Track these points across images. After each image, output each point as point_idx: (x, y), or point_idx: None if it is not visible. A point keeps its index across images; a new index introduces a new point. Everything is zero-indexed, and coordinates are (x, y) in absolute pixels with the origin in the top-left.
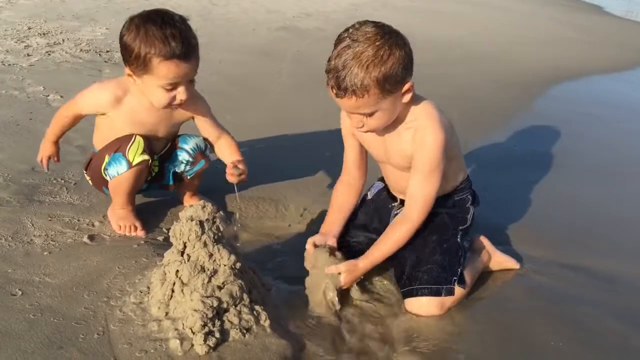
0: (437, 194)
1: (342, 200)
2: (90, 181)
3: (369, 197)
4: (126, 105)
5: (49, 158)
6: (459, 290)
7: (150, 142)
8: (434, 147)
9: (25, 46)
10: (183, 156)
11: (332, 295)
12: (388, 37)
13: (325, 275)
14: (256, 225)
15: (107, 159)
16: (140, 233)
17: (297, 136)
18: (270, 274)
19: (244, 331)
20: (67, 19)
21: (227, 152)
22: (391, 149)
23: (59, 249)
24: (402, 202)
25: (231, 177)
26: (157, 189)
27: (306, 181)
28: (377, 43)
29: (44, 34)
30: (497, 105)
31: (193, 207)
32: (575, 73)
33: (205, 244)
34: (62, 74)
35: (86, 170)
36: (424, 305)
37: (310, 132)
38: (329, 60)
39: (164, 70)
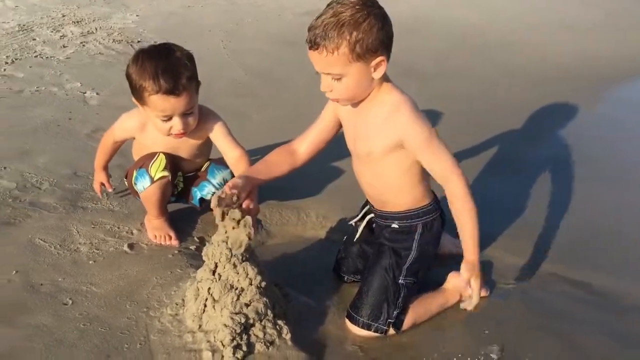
0: (390, 208)
1: (274, 160)
2: (129, 189)
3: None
4: (149, 131)
5: (102, 184)
6: (391, 332)
7: (175, 160)
8: (414, 119)
9: (61, 36)
10: (209, 189)
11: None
12: (371, 8)
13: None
14: (280, 231)
15: (135, 173)
16: (175, 242)
17: None
18: (291, 283)
19: (268, 344)
20: (98, 4)
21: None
22: (360, 129)
23: (103, 257)
24: (363, 217)
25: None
26: (185, 204)
27: (326, 186)
28: (357, 7)
29: (77, 22)
30: (514, 103)
31: (224, 230)
32: (602, 65)
33: (234, 265)
34: (96, 67)
35: (126, 177)
36: (358, 334)
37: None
38: (313, 22)
39: (156, 103)
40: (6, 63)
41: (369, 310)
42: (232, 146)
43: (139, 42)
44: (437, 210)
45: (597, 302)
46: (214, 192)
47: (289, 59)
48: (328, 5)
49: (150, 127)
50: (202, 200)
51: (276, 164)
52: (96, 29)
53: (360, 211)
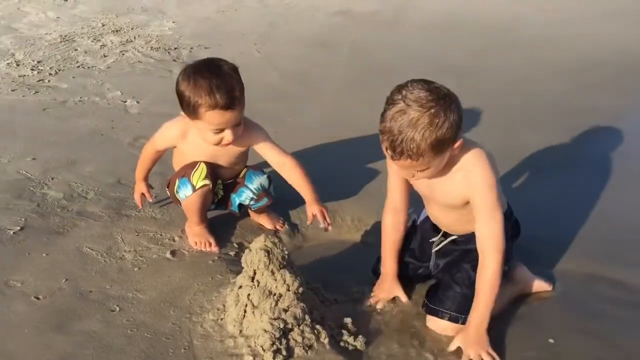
0: (468, 230)
1: (392, 236)
2: (170, 198)
3: (418, 222)
4: (190, 139)
5: (142, 195)
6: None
7: (214, 169)
8: (489, 185)
9: (101, 46)
10: (247, 194)
11: None
12: (442, 102)
13: None
14: (316, 235)
15: (177, 182)
16: (214, 249)
17: (352, 140)
18: (328, 287)
19: (307, 348)
20: (136, 12)
21: (296, 184)
22: (438, 189)
23: (147, 264)
24: (445, 234)
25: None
26: (224, 210)
27: (362, 189)
28: (432, 111)
29: (116, 30)
30: (550, 98)
31: (262, 238)
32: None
33: (272, 272)
34: (136, 76)
35: (168, 187)
36: (441, 328)
37: (366, 135)
38: (383, 121)
39: (210, 118)
40: (50, 74)
41: (457, 304)
42: (281, 155)
43: (175, 49)
44: (512, 217)
45: (635, 302)
46: (251, 197)
47: (323, 60)
48: (393, 103)
49: (192, 136)
50: (240, 205)
51: (398, 233)
52: (135, 37)
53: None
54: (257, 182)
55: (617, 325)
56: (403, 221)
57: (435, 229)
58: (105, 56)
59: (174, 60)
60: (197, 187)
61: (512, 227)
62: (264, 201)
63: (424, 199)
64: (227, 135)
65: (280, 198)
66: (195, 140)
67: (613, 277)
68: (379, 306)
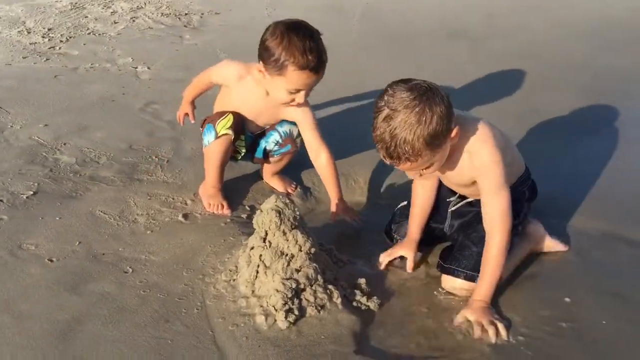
0: None
1: (421, 201)
2: None
3: None
4: (244, 85)
5: (186, 115)
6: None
7: (246, 123)
8: (494, 167)
9: (112, 12)
10: (274, 136)
11: None
12: (425, 97)
13: None
14: (329, 198)
15: (205, 127)
16: (227, 212)
17: (364, 106)
18: (342, 248)
19: (319, 308)
20: None
21: (326, 179)
22: (448, 173)
23: (159, 227)
24: (461, 196)
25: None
26: (249, 160)
27: (374, 152)
28: (417, 109)
29: None
30: (569, 60)
31: (273, 199)
32: None
33: (284, 233)
34: (146, 42)
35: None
36: (457, 287)
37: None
38: (374, 131)
39: (295, 77)
40: (61, 41)
41: (472, 262)
42: (320, 142)
43: (186, 14)
44: (529, 179)
45: None
46: (277, 141)
47: (334, 25)
48: (379, 110)
49: (244, 84)
50: (265, 153)
51: (428, 200)
52: (145, 3)
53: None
54: (286, 126)
55: (634, 284)
56: (433, 184)
57: (452, 190)
58: (115, 23)
59: (185, 26)
60: (219, 134)
61: (529, 189)
62: (287, 148)
63: (443, 181)
64: (300, 96)
65: (296, 164)
66: (246, 89)
67: (630, 236)
68: (383, 264)
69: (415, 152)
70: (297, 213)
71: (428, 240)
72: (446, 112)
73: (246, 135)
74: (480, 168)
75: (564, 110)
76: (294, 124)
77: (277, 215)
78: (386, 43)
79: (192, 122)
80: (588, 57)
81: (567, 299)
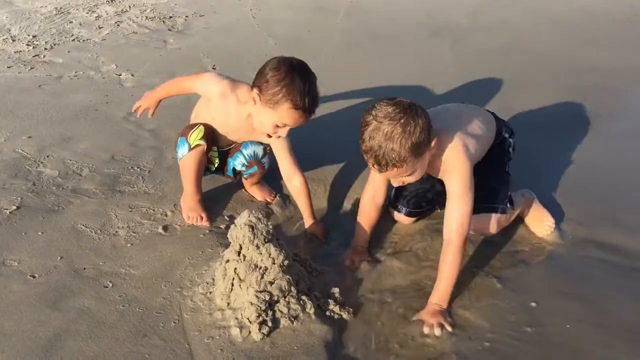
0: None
1: (367, 215)
2: None
3: None
4: (226, 102)
5: (145, 110)
6: (510, 210)
7: (217, 137)
8: (461, 175)
9: (96, 17)
10: (240, 159)
11: None
12: (408, 111)
13: None
14: None
15: (177, 141)
16: (206, 223)
17: (346, 109)
18: (319, 257)
19: (292, 319)
20: None
21: (299, 201)
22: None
23: (139, 240)
24: None
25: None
26: (221, 175)
27: (350, 157)
28: (402, 121)
29: (111, 0)
30: (551, 55)
31: (246, 214)
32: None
33: (257, 247)
34: (131, 48)
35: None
36: (483, 222)
37: (360, 102)
38: (363, 142)
39: (287, 115)
40: (45, 49)
41: (493, 195)
42: (293, 167)
43: (170, 17)
44: (502, 123)
45: (621, 265)
46: (243, 163)
47: (317, 25)
48: (367, 124)
49: (227, 102)
50: (235, 171)
51: (373, 216)
52: (130, 6)
53: None
54: (251, 149)
55: (602, 288)
56: (380, 203)
57: None
58: (100, 28)
59: (169, 30)
60: (192, 145)
61: (505, 130)
62: (254, 169)
63: None
64: (284, 131)
65: (272, 171)
66: (226, 106)
67: (602, 239)
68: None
69: (401, 159)
70: (270, 227)
71: (418, 205)
72: (427, 124)
73: (219, 150)
74: (450, 173)
75: (541, 108)
76: (258, 144)
77: (250, 230)
78: (368, 43)
79: (150, 117)
80: (568, 52)
81: (533, 304)
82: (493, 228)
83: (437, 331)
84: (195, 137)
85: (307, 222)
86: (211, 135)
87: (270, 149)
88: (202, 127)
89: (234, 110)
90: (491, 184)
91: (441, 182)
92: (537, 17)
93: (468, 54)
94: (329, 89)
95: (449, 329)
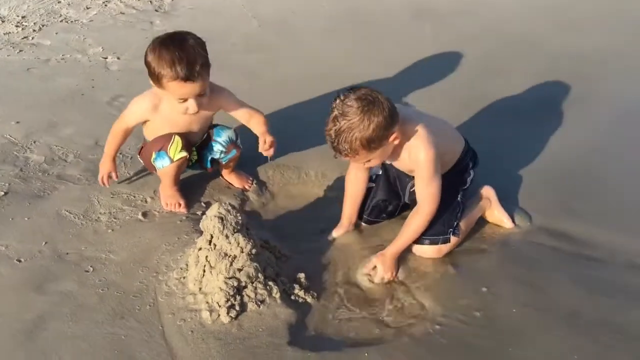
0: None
1: (354, 190)
2: (143, 163)
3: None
4: (162, 111)
5: (109, 175)
6: (453, 239)
7: (187, 137)
8: (426, 162)
9: None
10: (217, 147)
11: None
12: (369, 107)
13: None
14: (282, 191)
15: (154, 155)
16: (183, 210)
17: (326, 96)
18: (290, 241)
19: (259, 303)
20: None
21: (257, 129)
22: (394, 163)
23: (120, 226)
24: None
25: (262, 150)
26: (198, 169)
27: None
28: (359, 117)
29: None
30: (530, 40)
31: (216, 206)
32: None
33: (226, 236)
34: (118, 29)
35: (139, 154)
36: (426, 251)
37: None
38: (325, 126)
39: (171, 88)
40: (34, 31)
41: (435, 228)
42: (248, 112)
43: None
44: (469, 151)
45: (569, 252)
46: (221, 150)
47: (303, 6)
48: (332, 110)
49: (164, 108)
50: (212, 161)
51: (359, 190)
52: None
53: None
54: (224, 135)
55: (549, 274)
56: (364, 178)
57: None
58: (88, 8)
59: (156, 11)
60: (174, 159)
61: (471, 159)
62: (233, 153)
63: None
64: (191, 105)
65: (249, 157)
66: (168, 111)
67: (555, 227)
68: (334, 235)
69: (352, 150)
70: (240, 218)
71: (379, 215)
72: (384, 122)
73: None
74: (416, 163)
75: (515, 94)
76: (227, 128)
77: (220, 221)
78: (352, 26)
79: (116, 180)
80: (546, 36)
81: (484, 289)
82: (435, 255)
83: (377, 279)
84: (175, 149)
85: (260, 134)
86: (186, 142)
87: (237, 129)
88: (178, 138)
89: (175, 109)
90: (439, 214)
91: (404, 196)
92: (519, 0)
93: (447, 37)
94: (310, 76)
95: (386, 279)
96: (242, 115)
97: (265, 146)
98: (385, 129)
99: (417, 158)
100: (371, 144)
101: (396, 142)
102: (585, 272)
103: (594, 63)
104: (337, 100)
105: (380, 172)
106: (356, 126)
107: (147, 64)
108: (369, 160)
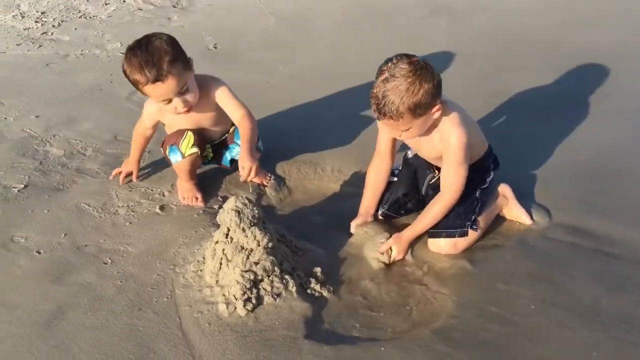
0: None
1: (374, 181)
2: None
3: (409, 156)
4: (166, 112)
5: (127, 175)
6: (472, 233)
7: (203, 134)
8: (457, 147)
9: None
10: (237, 149)
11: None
12: (420, 72)
13: (371, 249)
14: (298, 186)
15: (168, 149)
16: (200, 204)
17: (341, 92)
18: (306, 236)
19: (275, 296)
20: None
21: (241, 135)
22: (423, 146)
23: (138, 219)
24: (438, 169)
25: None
26: (215, 164)
27: (341, 142)
28: (409, 80)
29: None
30: (549, 38)
31: (233, 200)
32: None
33: (243, 230)
34: (135, 25)
35: (162, 146)
36: (442, 247)
37: (357, 85)
38: (372, 88)
39: (149, 93)
40: (53, 26)
41: (452, 220)
42: (236, 108)
43: None
44: (492, 154)
45: (587, 248)
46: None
47: (320, 2)
48: (381, 73)
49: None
50: (232, 161)
51: (380, 182)
52: None
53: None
54: None
55: (567, 270)
56: (387, 169)
57: (429, 167)
58: (106, 4)
59: (174, 7)
60: (186, 155)
61: (493, 161)
62: None
63: (415, 150)
64: (177, 103)
65: (268, 154)
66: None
67: (574, 223)
68: (352, 229)
69: (398, 113)
70: (256, 212)
71: (398, 211)
72: (432, 90)
73: (211, 144)
74: (447, 146)
75: (531, 90)
76: None
77: (237, 214)
78: (368, 23)
79: (135, 181)
80: (562, 33)
81: (501, 285)
82: (451, 250)
83: (385, 257)
84: (187, 145)
85: (240, 156)
86: (200, 138)
87: (258, 132)
88: (190, 134)
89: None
90: (457, 209)
91: (422, 189)
92: None
93: (463, 34)
94: (326, 73)
95: (398, 257)
96: (229, 112)
97: (243, 172)
98: (432, 97)
99: (449, 141)
100: (417, 109)
101: (437, 114)
102: (604, 269)
103: (612, 60)
104: (389, 63)
105: (401, 168)
106: (405, 89)
107: (124, 74)
108: (407, 130)
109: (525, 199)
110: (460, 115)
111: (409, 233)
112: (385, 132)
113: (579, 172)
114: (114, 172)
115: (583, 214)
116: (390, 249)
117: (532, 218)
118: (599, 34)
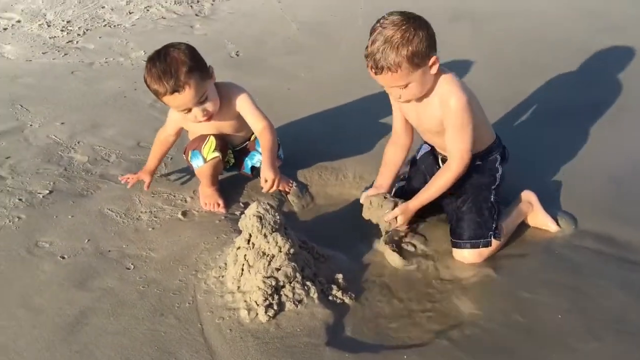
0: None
1: (391, 157)
2: (187, 163)
3: (418, 157)
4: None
5: (137, 181)
6: (495, 242)
7: (225, 139)
8: (458, 107)
9: (127, 1)
10: (258, 157)
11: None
12: (412, 21)
13: (379, 216)
14: (320, 192)
15: (190, 154)
16: (222, 210)
17: (363, 98)
18: (328, 242)
19: (297, 303)
20: None
21: (261, 147)
22: (423, 116)
23: (160, 225)
24: (444, 161)
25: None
26: (236, 171)
27: (365, 147)
28: (403, 27)
29: None
30: (573, 43)
31: (255, 205)
32: None
33: (265, 236)
34: (159, 33)
35: (184, 153)
36: (467, 257)
37: (378, 92)
38: (367, 48)
39: (168, 103)
40: (78, 35)
41: (474, 231)
42: (257, 119)
43: (197, 1)
44: (500, 146)
45: (614, 256)
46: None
47: (342, 9)
48: (374, 30)
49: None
50: (253, 168)
51: (396, 158)
52: None
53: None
54: None
55: (594, 279)
56: (404, 145)
57: (437, 162)
58: (130, 13)
59: (196, 15)
60: (207, 159)
61: (500, 154)
62: None
63: (418, 131)
64: (196, 113)
65: (289, 160)
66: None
67: (600, 231)
68: (362, 199)
69: (396, 63)
70: (278, 218)
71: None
72: (428, 37)
73: (233, 150)
74: (447, 110)
75: (554, 96)
76: None
77: (259, 220)
78: None
79: (146, 189)
80: (586, 38)
81: (526, 294)
82: (477, 260)
83: (391, 225)
84: (209, 150)
85: (262, 168)
86: (222, 142)
87: (279, 140)
88: (212, 139)
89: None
90: (472, 216)
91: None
92: (559, 2)
93: (486, 40)
94: (348, 79)
95: (399, 223)
96: (252, 125)
97: (266, 185)
98: (428, 47)
99: (449, 103)
100: (414, 57)
101: (435, 69)
102: (632, 277)
103: (636, 65)
104: (381, 19)
105: (409, 169)
106: (400, 36)
107: (145, 83)
108: (406, 86)
109: (551, 205)
110: (457, 78)
111: (416, 202)
112: (398, 112)
113: (605, 179)
114: (121, 178)
115: (609, 221)
116: (396, 218)
117: (558, 225)
118: (625, 39)
